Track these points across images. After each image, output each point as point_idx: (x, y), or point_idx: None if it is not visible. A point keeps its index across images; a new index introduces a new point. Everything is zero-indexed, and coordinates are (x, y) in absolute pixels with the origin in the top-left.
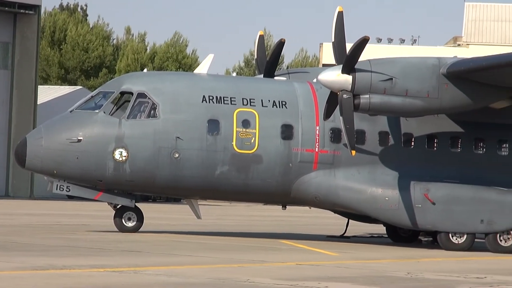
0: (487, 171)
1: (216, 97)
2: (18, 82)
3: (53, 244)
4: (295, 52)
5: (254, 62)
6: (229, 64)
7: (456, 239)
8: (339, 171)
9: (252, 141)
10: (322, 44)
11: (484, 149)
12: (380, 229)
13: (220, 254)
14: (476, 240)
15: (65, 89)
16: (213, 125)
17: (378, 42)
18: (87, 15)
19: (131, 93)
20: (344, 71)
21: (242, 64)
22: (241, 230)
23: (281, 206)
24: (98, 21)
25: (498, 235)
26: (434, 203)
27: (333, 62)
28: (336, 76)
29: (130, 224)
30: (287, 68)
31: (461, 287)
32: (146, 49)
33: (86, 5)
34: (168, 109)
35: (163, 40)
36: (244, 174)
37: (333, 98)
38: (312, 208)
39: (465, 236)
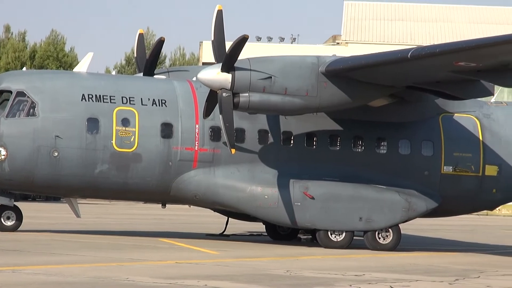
0: (366, 169)
1: (96, 95)
2: None
3: None
4: (176, 50)
5: (134, 60)
6: (110, 62)
7: (335, 236)
8: (218, 169)
9: (132, 139)
10: (202, 42)
11: (363, 147)
12: (260, 227)
13: (99, 252)
14: (355, 237)
15: None
16: (93, 123)
17: (257, 40)
18: None
19: (10, 92)
20: (224, 69)
21: (124, 63)
22: (121, 229)
23: (161, 205)
24: None
25: (376, 233)
26: (313, 198)
27: (213, 60)
28: (215, 75)
29: (9, 223)
30: (168, 66)
31: (339, 285)
32: (26, 48)
33: None
34: (47, 108)
35: (42, 38)
36: (123, 173)
37: (213, 97)
38: (191, 206)
39: (344, 233)
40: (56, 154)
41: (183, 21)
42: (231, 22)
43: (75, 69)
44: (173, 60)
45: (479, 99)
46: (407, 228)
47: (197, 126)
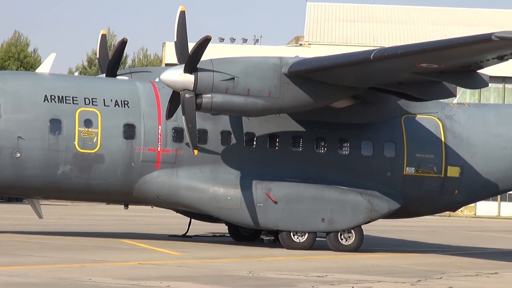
0: (328, 170)
1: (58, 96)
2: None
3: None
4: (139, 51)
5: (97, 61)
6: (72, 63)
7: (298, 238)
8: (181, 170)
9: (94, 140)
10: (165, 43)
11: (326, 148)
12: (222, 228)
13: (62, 254)
14: (317, 238)
15: None
16: (55, 124)
17: (220, 41)
18: None
19: None
20: (187, 70)
21: (86, 64)
22: (83, 230)
23: (123, 206)
24: None
25: (339, 234)
26: (275, 202)
27: (176, 61)
28: (178, 76)
29: None
30: (130, 67)
31: (302, 286)
32: None
33: None
34: (9, 109)
35: (3, 39)
36: (86, 174)
37: (176, 98)
38: (154, 207)
39: (307, 235)
40: (18, 155)
41: (146, 22)
42: (194, 23)
43: (38, 70)
44: (136, 61)
45: (441, 100)
46: (369, 229)
47: (159, 127)
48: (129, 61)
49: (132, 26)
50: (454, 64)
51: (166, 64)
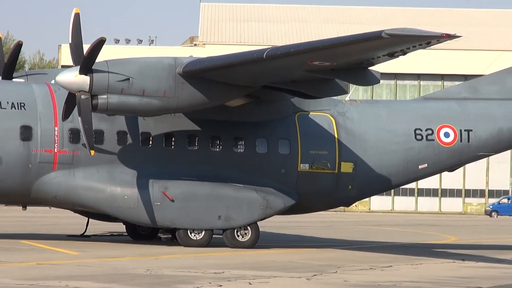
0: (224, 168)
1: None
2: None
3: None
4: (35, 54)
5: None
6: None
7: (195, 235)
8: (78, 171)
9: None
10: (60, 45)
11: (221, 147)
12: (120, 227)
13: None
14: (214, 236)
15: None
16: None
17: (116, 43)
18: None
19: None
20: (82, 72)
21: None
22: None
23: (21, 207)
24: None
25: (235, 231)
26: (172, 201)
27: (72, 63)
28: (73, 77)
29: None
30: (27, 69)
31: (199, 283)
32: None
33: None
34: None
35: None
36: None
37: (71, 99)
38: (52, 208)
39: (203, 232)
40: None
41: (43, 24)
42: (89, 24)
43: None
44: (32, 64)
45: (334, 97)
46: (265, 226)
47: (56, 128)
48: (26, 65)
49: (29, 29)
50: (345, 61)
51: (62, 66)
